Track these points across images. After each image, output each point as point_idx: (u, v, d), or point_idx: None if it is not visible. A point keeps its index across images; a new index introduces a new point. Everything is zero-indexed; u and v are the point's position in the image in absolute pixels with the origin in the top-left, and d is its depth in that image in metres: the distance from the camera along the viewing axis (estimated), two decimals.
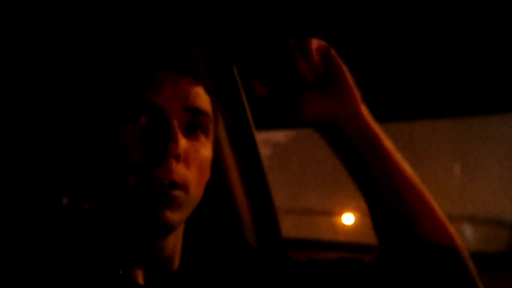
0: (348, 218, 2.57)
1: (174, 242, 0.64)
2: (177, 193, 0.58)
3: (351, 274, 0.67)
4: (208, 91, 0.64)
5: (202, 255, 0.68)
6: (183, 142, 0.58)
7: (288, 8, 0.85)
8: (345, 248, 2.41)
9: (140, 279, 0.62)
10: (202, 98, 0.62)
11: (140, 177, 0.57)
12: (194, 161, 0.60)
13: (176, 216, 0.58)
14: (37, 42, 0.87)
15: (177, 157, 0.58)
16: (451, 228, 0.64)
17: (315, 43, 0.61)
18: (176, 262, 0.65)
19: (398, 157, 0.64)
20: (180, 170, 0.58)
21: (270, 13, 0.84)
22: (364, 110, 0.64)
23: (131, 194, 0.57)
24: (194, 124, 0.61)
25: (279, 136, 2.75)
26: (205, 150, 0.62)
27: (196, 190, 0.60)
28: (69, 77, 0.83)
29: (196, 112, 0.61)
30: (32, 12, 0.84)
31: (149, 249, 0.62)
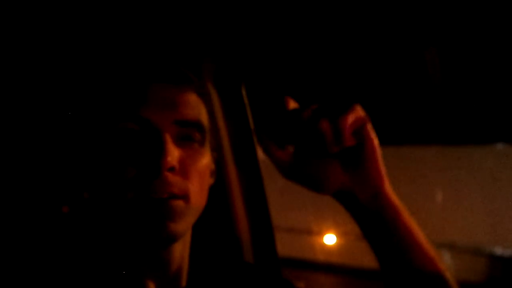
0: (329, 239, 2.59)
1: (181, 252, 0.64)
2: (177, 203, 0.58)
3: None
4: (202, 97, 0.64)
5: (209, 269, 0.69)
6: (176, 154, 0.58)
7: (305, 32, 0.86)
8: (326, 268, 2.42)
9: None
10: (194, 108, 0.62)
11: (138, 192, 0.57)
12: (191, 170, 0.60)
13: (178, 226, 0.58)
14: (29, 52, 0.86)
15: (172, 169, 0.58)
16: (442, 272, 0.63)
17: (351, 119, 0.57)
18: (185, 273, 0.65)
19: (415, 229, 0.62)
20: (177, 182, 0.58)
21: (285, 35, 0.86)
22: (388, 188, 0.61)
23: (131, 208, 0.57)
24: (188, 136, 0.61)
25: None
26: (202, 158, 0.62)
27: (198, 197, 0.60)
28: (59, 96, 0.83)
29: (188, 124, 0.61)
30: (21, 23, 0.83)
31: (157, 260, 0.62)
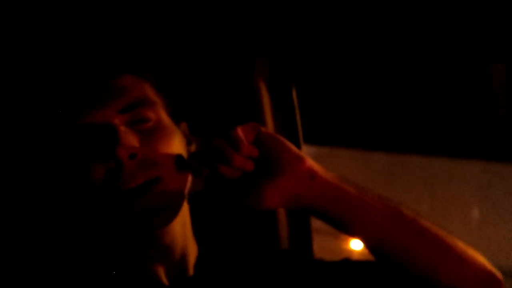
0: (356, 244, 2.55)
1: (182, 233, 0.64)
2: (151, 187, 0.58)
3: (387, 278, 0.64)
4: (141, 75, 0.64)
5: (223, 260, 0.69)
6: (134, 140, 0.58)
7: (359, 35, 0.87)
8: None
9: (164, 279, 0.63)
10: (133, 89, 0.62)
11: (110, 189, 0.58)
12: (157, 148, 0.60)
13: (162, 211, 0.59)
14: None
15: (133, 157, 0.58)
16: (483, 265, 0.60)
17: (240, 131, 0.55)
18: (192, 261, 0.66)
19: (376, 199, 0.59)
20: (143, 166, 0.58)
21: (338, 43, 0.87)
22: (317, 167, 0.58)
23: (110, 206, 0.59)
24: (138, 116, 0.61)
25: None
26: (164, 132, 0.62)
27: (173, 173, 0.60)
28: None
29: (132, 107, 0.61)
30: None
31: (158, 244, 0.62)
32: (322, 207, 0.58)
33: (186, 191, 0.62)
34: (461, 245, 0.61)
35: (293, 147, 0.58)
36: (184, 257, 0.64)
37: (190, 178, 0.62)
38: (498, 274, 0.62)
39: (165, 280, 0.63)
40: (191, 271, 0.65)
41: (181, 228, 0.64)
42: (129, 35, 0.88)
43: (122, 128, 0.59)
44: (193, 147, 0.67)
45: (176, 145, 0.62)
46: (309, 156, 0.58)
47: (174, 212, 0.60)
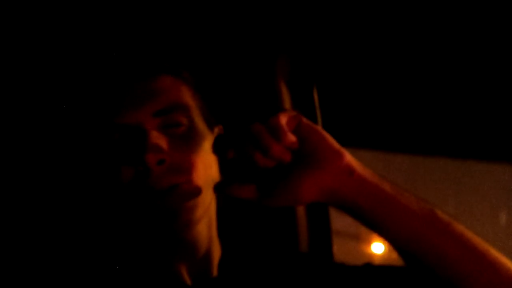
0: (378, 248, 2.52)
1: (207, 233, 0.65)
2: (179, 190, 0.59)
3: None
4: (180, 77, 0.64)
5: (246, 261, 0.69)
6: (164, 145, 0.59)
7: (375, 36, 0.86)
8: None
9: (187, 279, 0.63)
10: (170, 91, 0.62)
11: (138, 192, 0.59)
12: (186, 153, 0.60)
13: (190, 211, 0.59)
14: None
15: (161, 162, 0.58)
16: None
17: (283, 118, 0.53)
18: (215, 262, 0.66)
19: (412, 200, 0.57)
20: (171, 172, 0.59)
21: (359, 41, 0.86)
22: (356, 164, 0.56)
23: (139, 208, 0.59)
24: (172, 121, 0.61)
25: None
26: (195, 137, 0.62)
27: (202, 177, 0.60)
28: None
29: (167, 111, 0.61)
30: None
31: (184, 244, 0.63)
32: (357, 204, 0.56)
33: (213, 193, 0.62)
34: (494, 252, 0.59)
35: (334, 142, 0.56)
36: (207, 257, 0.65)
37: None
38: None
39: (188, 280, 0.63)
40: (214, 271, 0.65)
41: (207, 229, 0.64)
42: (163, 37, 0.89)
43: (154, 133, 0.59)
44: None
45: (207, 151, 0.62)
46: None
47: (198, 215, 0.61)
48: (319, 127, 0.56)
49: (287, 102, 0.91)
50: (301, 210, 0.93)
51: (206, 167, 0.62)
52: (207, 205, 0.63)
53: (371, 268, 0.69)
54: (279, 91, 0.90)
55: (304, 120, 0.55)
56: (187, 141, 0.61)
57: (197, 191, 0.60)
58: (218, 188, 0.58)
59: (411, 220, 0.57)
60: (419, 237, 0.57)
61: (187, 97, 0.64)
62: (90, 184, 0.64)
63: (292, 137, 0.53)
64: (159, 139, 0.59)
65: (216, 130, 0.68)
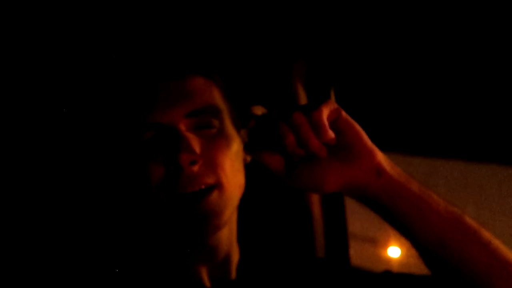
0: (394, 251, 2.48)
1: (228, 237, 0.65)
2: (210, 193, 0.59)
3: None
4: (212, 78, 0.64)
5: (264, 264, 0.70)
6: (196, 146, 0.59)
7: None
8: None
9: (206, 281, 0.64)
10: (203, 93, 0.62)
11: (169, 192, 0.59)
12: (217, 156, 0.60)
13: (218, 215, 0.59)
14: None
15: (194, 163, 0.58)
16: None
17: (325, 111, 0.52)
18: (234, 264, 0.66)
19: (440, 203, 0.57)
20: (203, 173, 0.59)
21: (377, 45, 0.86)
22: (386, 164, 0.56)
23: (168, 208, 0.59)
24: (204, 122, 0.61)
25: None
26: (226, 141, 0.62)
27: (231, 182, 0.61)
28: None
29: (200, 112, 0.61)
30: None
31: (205, 247, 0.63)
32: (382, 202, 0.57)
33: (239, 198, 0.62)
34: None
35: (368, 140, 0.56)
36: (227, 261, 0.65)
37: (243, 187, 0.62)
38: None
39: (207, 283, 0.64)
40: (233, 275, 0.66)
41: (228, 233, 0.65)
42: (196, 37, 0.90)
43: (187, 134, 0.59)
44: (249, 156, 0.66)
45: (235, 154, 0.63)
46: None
47: (225, 219, 0.61)
48: (356, 123, 0.56)
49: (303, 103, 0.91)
50: (317, 213, 0.92)
51: (235, 171, 0.63)
52: (233, 210, 0.63)
53: (389, 275, 0.68)
54: (296, 93, 0.90)
55: (344, 114, 0.55)
56: (218, 144, 0.61)
57: (227, 196, 0.60)
58: (249, 148, 0.59)
59: (438, 223, 0.56)
60: (444, 241, 0.56)
61: (219, 99, 0.64)
62: (117, 184, 0.65)
63: (331, 134, 0.53)
64: (192, 140, 0.59)
65: (242, 133, 0.68)
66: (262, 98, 0.91)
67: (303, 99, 0.91)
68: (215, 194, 0.59)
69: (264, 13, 0.88)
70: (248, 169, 0.66)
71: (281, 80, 0.90)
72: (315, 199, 0.92)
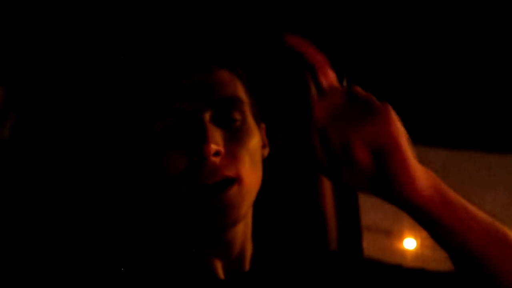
0: (410, 243, 2.46)
1: (244, 231, 0.65)
2: (230, 186, 0.58)
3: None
4: (236, 73, 0.64)
5: (277, 256, 0.69)
6: (219, 137, 0.59)
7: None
8: None
9: (221, 274, 0.64)
10: (228, 85, 0.62)
11: (190, 182, 0.58)
12: (238, 149, 0.60)
13: (237, 209, 0.59)
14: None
15: (218, 154, 0.58)
16: None
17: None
18: (248, 257, 0.66)
19: (480, 212, 0.55)
20: (225, 165, 0.59)
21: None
22: (428, 193, 0.53)
23: (187, 198, 0.59)
24: (227, 115, 0.61)
25: None
26: (247, 135, 0.62)
27: (251, 176, 0.61)
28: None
29: (224, 102, 0.61)
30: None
31: (221, 240, 0.63)
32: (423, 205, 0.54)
33: (257, 192, 0.62)
34: None
35: (413, 165, 0.53)
36: (241, 254, 0.65)
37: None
38: None
39: (221, 274, 0.64)
40: (247, 267, 0.66)
41: (244, 227, 0.65)
42: (222, 33, 0.91)
43: (210, 125, 0.59)
44: (266, 151, 0.67)
45: (255, 148, 0.63)
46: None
47: (243, 214, 0.61)
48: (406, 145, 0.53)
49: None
50: (330, 205, 0.91)
51: (254, 165, 0.62)
52: (250, 205, 0.63)
53: (401, 270, 0.68)
54: (308, 84, 0.89)
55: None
56: (239, 136, 0.61)
57: (246, 191, 0.60)
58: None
59: (478, 232, 0.55)
60: (482, 252, 0.55)
61: (242, 92, 0.64)
62: (135, 174, 0.64)
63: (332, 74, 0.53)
64: (215, 131, 0.59)
65: (261, 127, 0.68)
66: (276, 89, 0.90)
67: (314, 90, 0.90)
68: (234, 188, 0.59)
69: (274, 8, 0.87)
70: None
71: (295, 74, 0.89)
72: (328, 191, 0.91)
